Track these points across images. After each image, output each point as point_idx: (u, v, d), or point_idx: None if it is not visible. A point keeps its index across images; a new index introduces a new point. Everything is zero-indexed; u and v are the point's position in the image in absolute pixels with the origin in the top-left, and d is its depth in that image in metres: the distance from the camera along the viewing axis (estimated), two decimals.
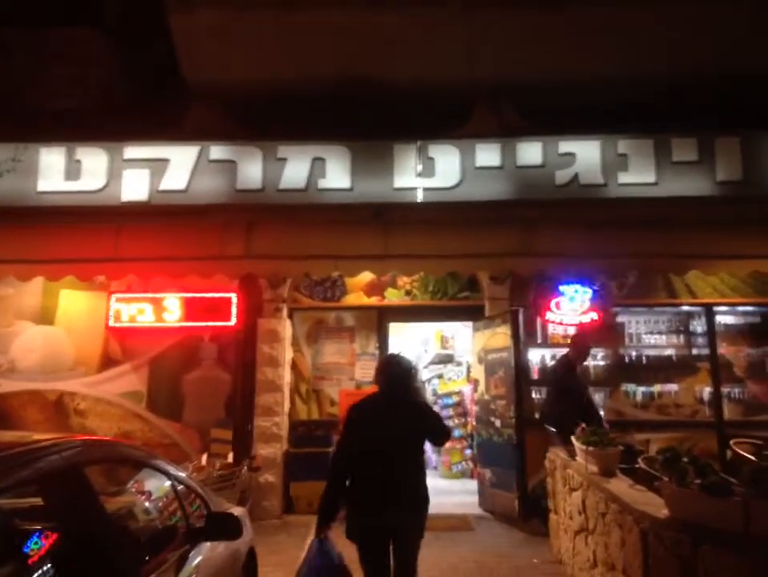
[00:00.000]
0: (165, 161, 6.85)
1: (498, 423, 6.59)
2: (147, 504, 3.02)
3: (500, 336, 6.77)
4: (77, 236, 5.95)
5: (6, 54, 7.29)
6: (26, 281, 6.42)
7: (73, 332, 7.11)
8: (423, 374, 11.56)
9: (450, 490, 7.85)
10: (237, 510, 3.44)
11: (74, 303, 7.17)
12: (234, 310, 7.04)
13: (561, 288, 6.39)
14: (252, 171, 6.84)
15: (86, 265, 5.83)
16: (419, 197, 6.73)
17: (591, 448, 4.51)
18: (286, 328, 7.23)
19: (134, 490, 3.17)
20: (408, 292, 7.54)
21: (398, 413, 3.47)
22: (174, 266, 5.95)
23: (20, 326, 7.08)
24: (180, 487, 2.91)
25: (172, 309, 7.00)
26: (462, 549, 5.44)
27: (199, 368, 7.15)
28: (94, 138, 6.85)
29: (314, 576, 3.31)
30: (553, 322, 6.48)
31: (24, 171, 6.77)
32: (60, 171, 6.74)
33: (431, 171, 6.72)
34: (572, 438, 5.11)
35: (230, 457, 5.22)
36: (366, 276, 7.48)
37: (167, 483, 2.92)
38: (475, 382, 7.39)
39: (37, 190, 6.72)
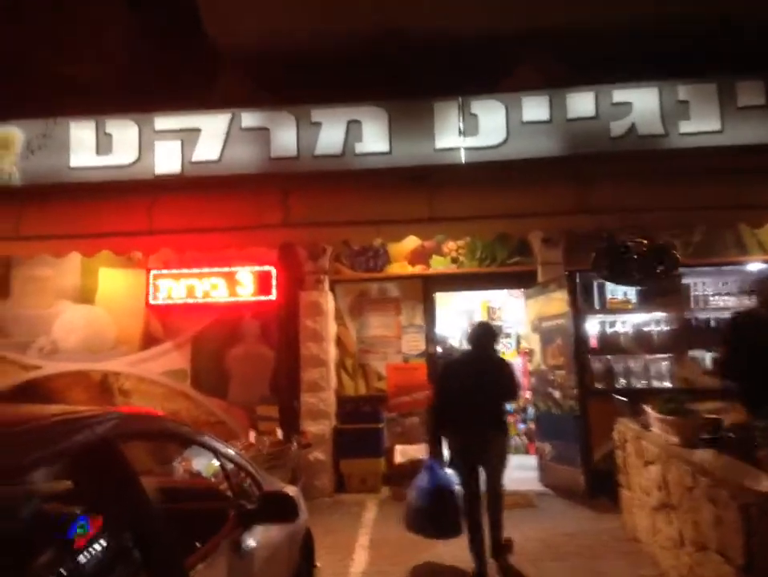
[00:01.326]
0: (196, 131, 6.61)
1: (557, 394, 6.20)
2: (194, 483, 2.77)
3: (556, 303, 6.34)
4: (110, 210, 5.74)
5: (26, 21, 7.07)
6: (61, 257, 6.28)
7: (113, 312, 6.98)
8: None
9: None
10: (291, 490, 3.17)
11: (114, 281, 7.03)
12: (274, 284, 6.80)
13: (622, 246, 5.90)
14: (286, 137, 6.54)
15: (121, 239, 5.62)
16: (463, 158, 6.36)
17: (670, 417, 4.11)
18: (329, 301, 6.95)
19: (180, 468, 2.92)
20: (455, 260, 7.15)
21: (485, 366, 4.55)
22: (209, 238, 5.69)
23: (60, 306, 6.97)
24: (230, 466, 2.65)
25: (212, 285, 6.80)
26: (526, 527, 5.11)
27: (242, 344, 6.95)
28: (123, 109, 6.65)
29: (425, 493, 4.31)
30: (617, 283, 6.01)
31: (55, 147, 6.63)
32: (91, 146, 6.58)
33: (475, 129, 6.30)
34: (645, 407, 4.71)
35: (279, 434, 4.99)
36: (410, 244, 7.13)
37: (216, 462, 2.64)
38: (529, 353, 6.99)
39: (69, 165, 6.59)
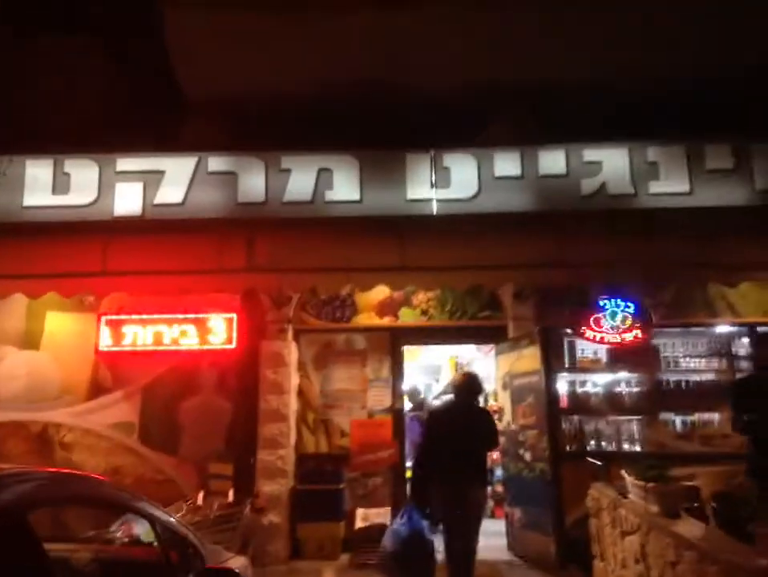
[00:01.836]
0: (160, 173, 6.43)
1: (528, 456, 5.93)
2: (129, 554, 2.40)
3: (528, 359, 6.16)
4: (61, 250, 5.40)
5: None
6: (2, 299, 5.84)
7: (59, 358, 6.51)
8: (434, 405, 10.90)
9: None
10: (238, 562, 2.80)
11: (61, 326, 6.59)
12: (235, 332, 6.46)
13: (601, 302, 5.80)
14: (254, 183, 6.42)
15: (71, 280, 5.26)
16: (434, 209, 6.30)
17: (651, 484, 3.89)
18: (292, 352, 6.63)
19: (120, 532, 2.54)
20: (424, 312, 6.95)
21: (468, 415, 4.69)
22: (166, 281, 5.39)
23: (2, 352, 6.48)
24: (169, 535, 2.29)
25: (167, 331, 6.43)
26: None
27: (197, 395, 6.53)
28: (83, 150, 6.44)
29: (401, 542, 4.42)
30: (593, 341, 5.87)
31: (9, 184, 6.36)
32: (47, 185, 6.32)
33: (447, 182, 6.30)
34: (623, 473, 4.48)
35: (230, 496, 4.55)
36: (378, 295, 6.93)
37: (152, 530, 2.29)
38: (498, 411, 6.74)
39: (23, 205, 6.31)
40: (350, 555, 6.09)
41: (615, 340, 5.79)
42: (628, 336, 5.75)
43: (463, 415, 4.69)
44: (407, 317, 6.94)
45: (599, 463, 4.94)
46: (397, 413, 6.79)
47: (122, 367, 6.53)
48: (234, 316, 6.52)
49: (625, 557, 4.19)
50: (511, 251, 5.87)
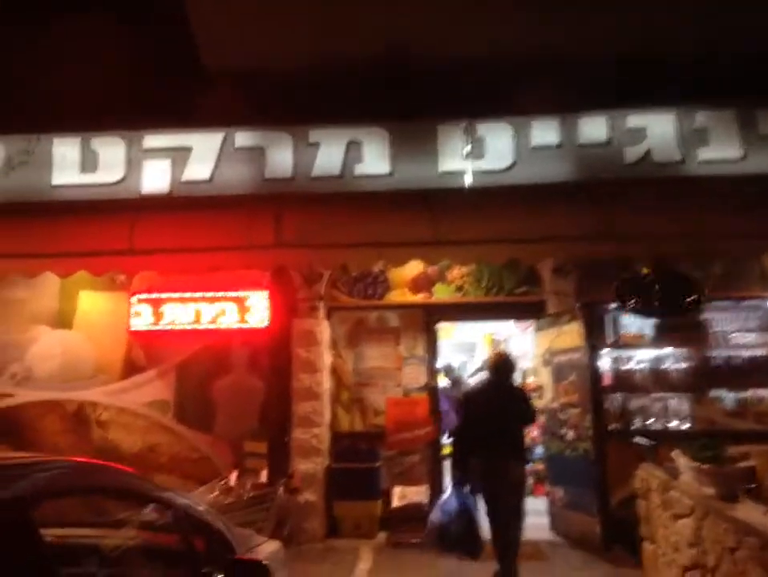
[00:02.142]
0: (187, 150, 6.32)
1: (570, 435, 5.72)
2: (153, 542, 2.29)
3: (569, 336, 5.90)
4: (90, 229, 5.33)
5: (15, 43, 6.79)
6: (33, 278, 5.83)
7: (93, 338, 6.51)
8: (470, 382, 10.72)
9: None
10: (270, 547, 2.69)
11: (94, 305, 6.59)
12: (266, 310, 6.36)
13: (647, 276, 5.49)
14: (281, 158, 6.23)
15: (99, 259, 5.18)
16: (468, 182, 6.04)
17: (705, 466, 3.65)
18: (324, 330, 6.50)
19: (142, 521, 2.44)
20: (459, 288, 6.73)
21: (505, 393, 4.81)
22: (195, 258, 5.27)
23: (36, 331, 6.51)
24: (197, 525, 2.17)
25: (198, 310, 6.36)
26: None
27: (229, 374, 6.47)
28: (110, 127, 6.36)
29: (448, 517, 4.51)
30: (640, 315, 5.58)
31: (37, 163, 6.34)
32: (75, 163, 6.28)
33: (481, 153, 6.00)
34: (675, 454, 4.24)
35: (263, 476, 4.45)
36: (412, 271, 6.73)
37: (177, 521, 2.16)
38: (538, 389, 6.52)
39: (52, 183, 6.28)
40: (388, 534, 6.01)
41: (663, 314, 5.48)
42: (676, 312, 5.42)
43: (498, 394, 4.81)
44: (442, 294, 6.74)
45: (647, 443, 4.70)
46: (432, 390, 6.63)
47: (155, 346, 6.50)
48: (265, 294, 6.42)
49: (678, 541, 3.97)
50: (550, 223, 5.59)
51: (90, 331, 6.52)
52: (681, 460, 4.16)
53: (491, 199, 5.73)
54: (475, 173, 6.04)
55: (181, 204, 5.91)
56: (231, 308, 6.37)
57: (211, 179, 6.19)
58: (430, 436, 6.39)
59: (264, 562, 2.05)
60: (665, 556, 4.23)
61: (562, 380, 5.98)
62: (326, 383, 6.47)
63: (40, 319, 6.53)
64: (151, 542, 2.17)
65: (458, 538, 4.53)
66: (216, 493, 3.53)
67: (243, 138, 6.22)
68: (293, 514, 5.93)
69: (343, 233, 5.26)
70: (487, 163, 6.06)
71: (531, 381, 7.49)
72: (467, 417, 4.85)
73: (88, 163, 6.26)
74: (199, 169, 6.17)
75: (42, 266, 5.17)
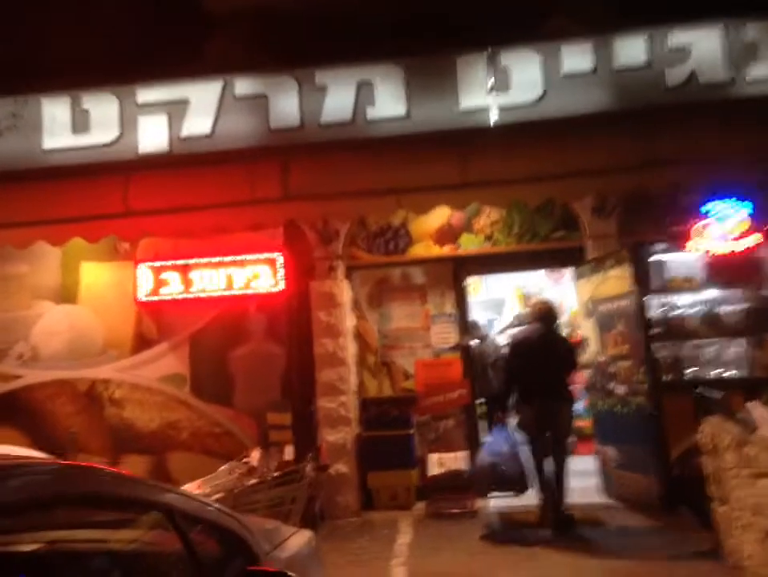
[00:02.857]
0: (185, 102, 5.87)
1: (621, 390, 5.21)
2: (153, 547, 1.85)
3: (614, 282, 5.35)
4: (81, 192, 4.86)
5: None
6: (24, 248, 5.39)
7: (100, 311, 6.10)
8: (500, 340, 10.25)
9: None
10: (300, 539, 2.25)
11: (99, 277, 6.16)
12: (281, 272, 5.89)
13: (705, 208, 4.89)
14: (287, 105, 5.73)
15: (92, 224, 4.72)
16: (493, 119, 5.48)
17: None
18: (344, 291, 6.02)
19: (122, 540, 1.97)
20: (488, 238, 6.18)
21: (549, 341, 5.02)
22: (196, 218, 4.78)
23: (39, 308, 6.11)
24: (207, 528, 1.73)
25: (209, 276, 5.91)
26: (600, 552, 4.17)
27: (247, 343, 6.04)
28: (101, 83, 5.86)
29: (497, 457, 4.84)
30: (701, 253, 5.01)
31: (26, 127, 5.93)
32: (66, 125, 5.88)
33: (506, 85, 5.43)
34: (748, 405, 3.74)
35: (289, 452, 4.01)
36: (435, 221, 6.19)
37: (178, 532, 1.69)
38: (581, 342, 6.01)
39: (43, 148, 5.84)
40: (426, 503, 5.62)
41: (727, 250, 4.89)
42: (745, 244, 4.82)
43: (542, 341, 5.02)
44: (469, 244, 6.19)
45: (715, 394, 4.19)
46: (465, 350, 6.15)
47: (166, 317, 6.08)
48: (279, 256, 5.94)
49: (759, 503, 3.50)
50: (588, 157, 5.03)
51: (96, 305, 6.12)
52: (758, 411, 3.66)
53: (521, 135, 5.16)
54: (501, 108, 5.51)
55: (178, 161, 5.45)
56: (243, 272, 5.91)
57: (212, 134, 5.77)
58: (464, 399, 5.93)
59: (286, 573, 1.59)
60: (742, 519, 3.76)
61: (608, 330, 5.45)
62: (350, 347, 6.02)
63: (42, 294, 6.13)
64: (150, 548, 1.72)
65: (508, 476, 4.87)
66: (237, 475, 3.12)
67: (244, 85, 5.72)
68: (325, 487, 5.60)
69: (357, 181, 4.73)
70: (513, 97, 5.52)
71: (577, 332, 6.95)
72: (514, 364, 5.08)
73: (80, 123, 5.86)
74: (198, 123, 5.74)
75: (32, 235, 4.71)
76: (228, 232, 4.78)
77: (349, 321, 6.07)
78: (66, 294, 6.12)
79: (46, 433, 5.86)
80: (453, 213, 6.14)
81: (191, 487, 3.53)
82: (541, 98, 5.50)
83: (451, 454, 5.85)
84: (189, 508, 1.64)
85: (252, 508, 3.39)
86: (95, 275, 6.14)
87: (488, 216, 6.17)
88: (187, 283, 5.92)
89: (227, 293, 5.91)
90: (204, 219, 4.76)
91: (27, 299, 6.10)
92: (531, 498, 5.02)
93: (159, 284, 5.92)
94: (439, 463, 5.81)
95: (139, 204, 4.73)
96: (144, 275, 5.94)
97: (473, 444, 5.95)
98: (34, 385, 5.96)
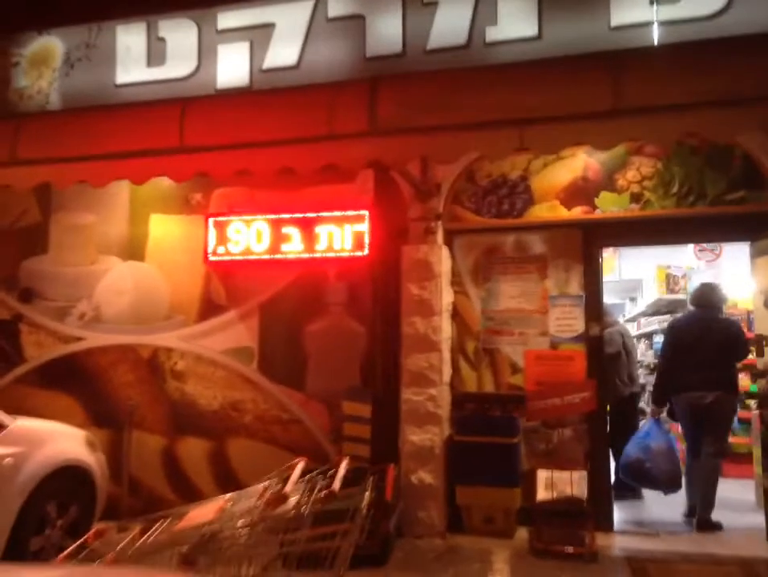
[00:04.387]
0: (269, 27, 5.10)
1: None
2: None
3: None
4: (132, 125, 4.04)
5: None
6: (63, 188, 4.74)
7: (167, 270, 5.42)
8: (634, 329, 8.71)
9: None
10: None
11: (167, 231, 5.46)
12: (367, 233, 4.86)
13: None
14: (387, 27, 4.77)
15: (137, 161, 3.88)
16: (656, 38, 4.13)
17: None
18: (443, 259, 4.86)
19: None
20: (636, 197, 4.72)
21: (711, 326, 4.81)
22: (259, 155, 3.79)
23: (105, 263, 5.53)
24: None
25: (284, 235, 5.02)
26: None
27: (323, 317, 5.09)
28: (180, 7, 5.19)
29: (647, 453, 4.71)
30: None
31: (99, 58, 5.44)
32: (141, 56, 5.37)
33: None
34: None
35: (342, 470, 2.91)
36: (566, 174, 4.86)
37: None
38: (760, 341, 4.45)
39: (116, 83, 5.28)
40: (530, 533, 4.41)
41: None
42: None
43: (705, 326, 4.77)
44: (609, 206, 4.77)
45: None
46: (592, 342, 4.79)
47: (235, 281, 5.27)
48: (366, 213, 4.91)
49: None
50: None
51: (163, 262, 5.43)
52: None
53: (695, 55, 3.69)
54: (666, 24, 4.14)
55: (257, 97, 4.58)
56: (323, 231, 4.95)
57: (298, 65, 4.98)
58: (588, 404, 4.62)
59: None
60: None
61: None
62: (446, 329, 4.87)
63: (109, 248, 5.53)
64: None
65: (657, 474, 4.65)
66: (253, 516, 2.16)
67: (338, 5, 4.85)
68: (404, 498, 4.59)
69: (467, 108, 3.50)
70: (684, 9, 4.11)
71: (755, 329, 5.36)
72: (671, 351, 4.89)
73: (156, 54, 5.27)
74: (283, 52, 4.94)
75: (71, 173, 3.97)
76: (297, 173, 3.80)
77: (447, 297, 4.91)
78: (133, 249, 5.49)
79: (102, 404, 5.31)
80: (589, 164, 4.77)
81: (214, 505, 2.62)
82: (722, 10, 4.09)
83: (566, 474, 4.58)
84: None
85: (288, 544, 2.43)
86: (164, 229, 5.45)
87: (638, 170, 4.72)
88: (262, 242, 5.07)
89: (304, 256, 4.98)
90: (268, 157, 3.78)
91: (93, 253, 5.54)
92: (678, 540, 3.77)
93: (231, 241, 5.12)
94: (549, 483, 4.57)
95: (195, 139, 3.84)
96: (214, 230, 5.16)
97: (597, 463, 4.66)
98: (95, 349, 5.41)
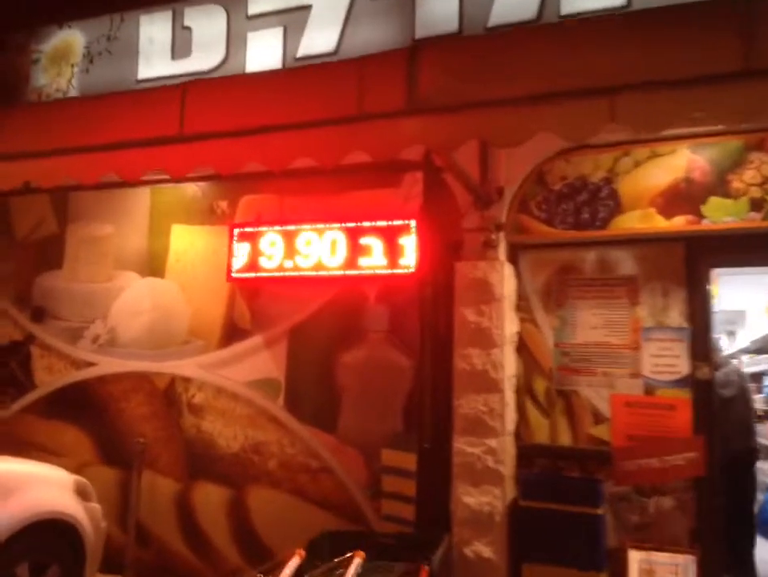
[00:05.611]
0: (305, 9, 4.51)
1: None
2: None
3: None
4: (129, 112, 3.42)
5: None
6: (49, 186, 4.15)
7: (188, 288, 4.77)
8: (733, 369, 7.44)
9: None
10: None
11: (190, 244, 4.84)
12: (414, 247, 4.04)
13: None
14: (441, 1, 4.12)
15: (129, 152, 3.23)
16: None
17: None
18: (506, 279, 3.96)
19: None
20: (757, 204, 3.69)
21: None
22: (270, 141, 3.05)
23: (122, 279, 4.95)
24: None
25: (317, 249, 4.28)
26: None
27: (361, 346, 4.28)
28: None
29: None
30: None
31: (121, 51, 5.06)
32: (166, 47, 4.96)
33: None
34: None
35: (355, 567, 2.04)
36: (663, 175, 3.88)
37: None
38: None
39: (137, 77, 4.81)
40: None
41: None
42: None
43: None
44: (720, 213, 3.75)
45: None
46: (701, 387, 3.74)
47: (262, 301, 4.57)
48: (413, 223, 4.10)
49: None
50: None
51: (185, 279, 4.79)
52: None
53: None
54: None
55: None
56: (362, 244, 4.18)
57: (336, 51, 4.38)
58: (695, 467, 3.57)
59: None
60: None
61: None
62: (510, 365, 3.94)
63: (127, 263, 4.95)
64: None
65: None
66: None
67: None
68: (456, 574, 3.67)
69: (539, 72, 2.64)
70: None
71: None
72: None
73: (181, 45, 4.86)
74: (320, 38, 4.39)
75: (56, 167, 3.37)
76: (321, 170, 3.07)
77: (511, 326, 3.99)
78: (153, 264, 4.88)
79: (112, 439, 4.68)
80: (694, 162, 3.79)
81: None
82: None
83: (667, 556, 3.55)
84: None
85: None
86: (187, 240, 4.83)
87: (758, 169, 3.70)
88: (292, 256, 4.34)
89: (337, 273, 4.21)
90: (282, 143, 3.03)
91: (110, 268, 4.97)
92: None
93: (257, 255, 4.42)
94: (647, 570, 3.53)
95: (196, 125, 3.16)
96: (240, 244, 4.48)
97: (707, 543, 3.58)
98: (107, 377, 4.80)
